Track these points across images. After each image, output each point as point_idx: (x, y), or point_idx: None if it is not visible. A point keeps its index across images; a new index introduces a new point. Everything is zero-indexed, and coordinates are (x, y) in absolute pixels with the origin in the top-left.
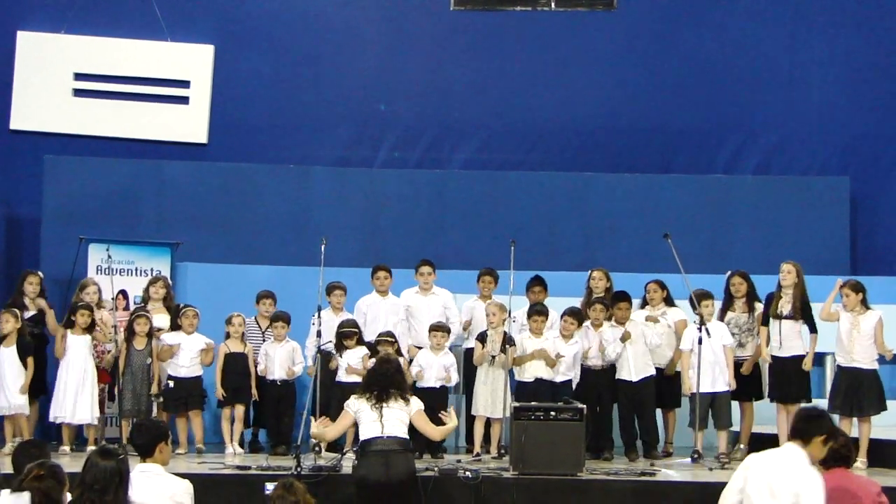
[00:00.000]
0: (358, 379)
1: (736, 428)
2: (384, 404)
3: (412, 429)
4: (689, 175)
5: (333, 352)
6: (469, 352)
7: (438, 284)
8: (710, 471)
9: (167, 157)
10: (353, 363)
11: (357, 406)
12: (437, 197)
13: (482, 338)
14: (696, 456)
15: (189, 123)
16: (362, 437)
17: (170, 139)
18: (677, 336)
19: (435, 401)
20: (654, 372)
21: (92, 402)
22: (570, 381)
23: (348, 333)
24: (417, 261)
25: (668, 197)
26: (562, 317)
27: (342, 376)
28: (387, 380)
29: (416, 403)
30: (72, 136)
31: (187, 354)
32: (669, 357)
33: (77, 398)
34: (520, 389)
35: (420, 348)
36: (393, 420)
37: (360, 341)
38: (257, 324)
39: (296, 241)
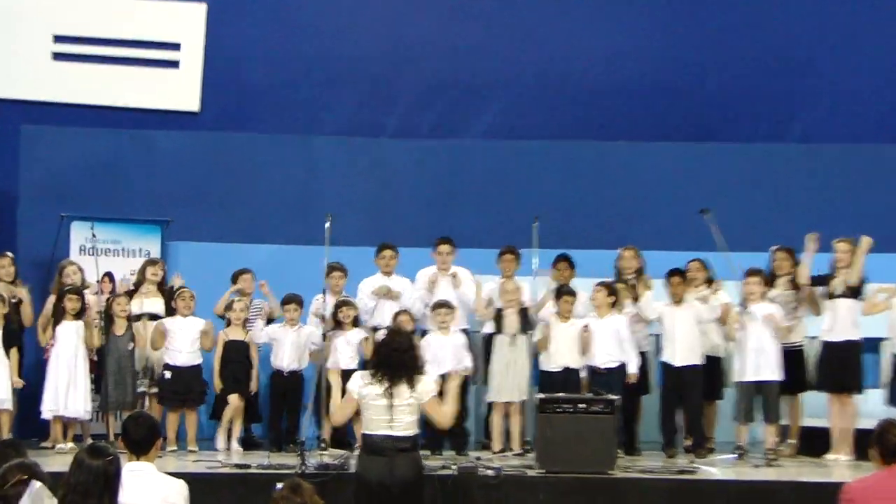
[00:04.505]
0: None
1: (785, 421)
2: (394, 392)
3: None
4: (730, 143)
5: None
6: (488, 338)
7: (457, 264)
8: (756, 468)
9: (156, 126)
10: (351, 345)
11: (363, 390)
12: (453, 168)
13: (498, 318)
14: (740, 452)
15: (180, 90)
16: (367, 429)
17: (159, 107)
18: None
19: None
20: (700, 361)
21: (85, 394)
22: (623, 367)
23: (344, 303)
24: (430, 239)
25: (707, 168)
26: (594, 293)
27: (339, 362)
28: (397, 358)
29: (428, 388)
30: (51, 104)
31: (186, 337)
32: (715, 343)
33: (69, 390)
34: (545, 380)
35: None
36: (403, 413)
37: (357, 321)
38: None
39: (297, 218)
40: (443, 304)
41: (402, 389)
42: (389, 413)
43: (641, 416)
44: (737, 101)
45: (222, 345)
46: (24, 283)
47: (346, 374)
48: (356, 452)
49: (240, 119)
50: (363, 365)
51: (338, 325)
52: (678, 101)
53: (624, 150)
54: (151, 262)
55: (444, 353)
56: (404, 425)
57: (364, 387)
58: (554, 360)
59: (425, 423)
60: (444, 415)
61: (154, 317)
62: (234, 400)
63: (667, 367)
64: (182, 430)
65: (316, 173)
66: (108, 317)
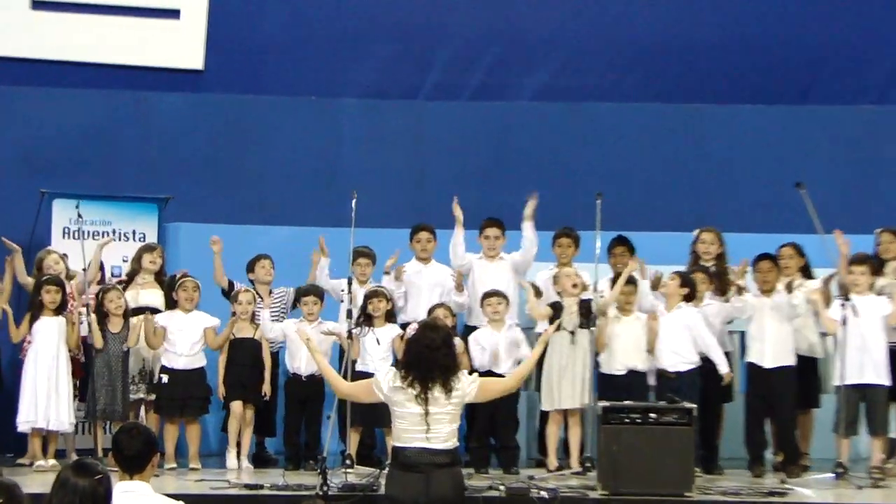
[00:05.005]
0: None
1: (894, 434)
2: (429, 397)
3: (475, 428)
4: (830, 106)
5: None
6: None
7: (507, 250)
8: (859, 489)
9: (153, 87)
10: (382, 343)
11: (392, 394)
12: (501, 136)
13: (555, 310)
14: (840, 470)
15: (181, 44)
16: (397, 441)
17: (156, 65)
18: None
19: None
20: (794, 361)
21: (69, 402)
22: (695, 371)
23: (375, 293)
24: (475, 220)
25: (802, 135)
26: (666, 281)
27: (368, 362)
28: (429, 357)
29: (468, 382)
30: (30, 62)
31: (187, 338)
32: (812, 342)
33: (50, 398)
34: (607, 384)
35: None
36: (441, 422)
37: (392, 316)
38: (259, 295)
39: (318, 195)
40: (494, 294)
41: (438, 394)
42: (425, 422)
43: (723, 427)
44: (838, 56)
45: (227, 344)
46: None
47: None
48: (386, 470)
49: (250, 79)
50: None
51: (367, 319)
52: (768, 58)
53: (704, 115)
54: (148, 248)
55: (496, 351)
56: (443, 436)
57: (394, 389)
58: (617, 361)
59: (466, 436)
60: (501, 389)
61: (154, 311)
62: (236, 408)
63: (754, 370)
64: (183, 444)
65: (340, 142)
66: (98, 312)
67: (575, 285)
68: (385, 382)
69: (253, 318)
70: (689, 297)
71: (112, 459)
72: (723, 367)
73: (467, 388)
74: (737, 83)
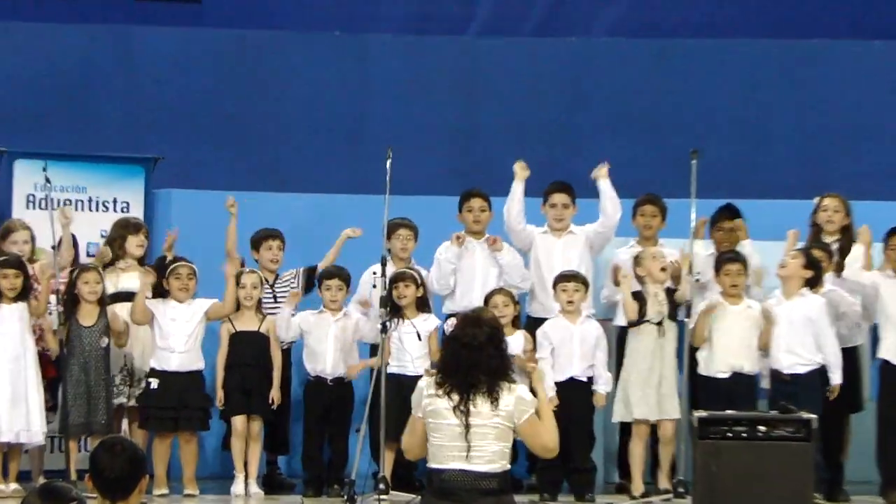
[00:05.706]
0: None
1: None
2: (471, 408)
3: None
4: None
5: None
6: (623, 331)
7: (578, 221)
8: None
9: (139, 20)
10: (421, 335)
11: (428, 403)
12: (570, 81)
13: (637, 302)
14: None
15: None
16: (433, 462)
17: None
18: None
19: (578, 399)
20: None
21: (40, 407)
22: (816, 372)
23: (402, 276)
24: (539, 185)
25: None
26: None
27: (405, 362)
28: (470, 358)
29: (524, 402)
30: None
31: (182, 329)
32: None
33: (14, 405)
34: (706, 390)
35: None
36: (485, 438)
37: (425, 304)
38: (266, 281)
39: (345, 155)
40: (571, 277)
41: (482, 405)
42: (465, 438)
43: (850, 443)
44: None
45: (227, 340)
46: None
47: (412, 383)
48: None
49: (259, 10)
50: None
51: (395, 309)
52: None
53: (823, 53)
54: (133, 227)
55: (568, 348)
56: (488, 456)
57: (429, 397)
58: (719, 361)
59: (529, 454)
60: (546, 440)
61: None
62: (237, 424)
63: (888, 370)
64: (176, 465)
65: (370, 89)
66: (70, 299)
67: (664, 269)
68: (420, 406)
69: (259, 307)
70: (813, 282)
71: (89, 483)
72: (835, 377)
73: (519, 408)
74: (865, 13)
